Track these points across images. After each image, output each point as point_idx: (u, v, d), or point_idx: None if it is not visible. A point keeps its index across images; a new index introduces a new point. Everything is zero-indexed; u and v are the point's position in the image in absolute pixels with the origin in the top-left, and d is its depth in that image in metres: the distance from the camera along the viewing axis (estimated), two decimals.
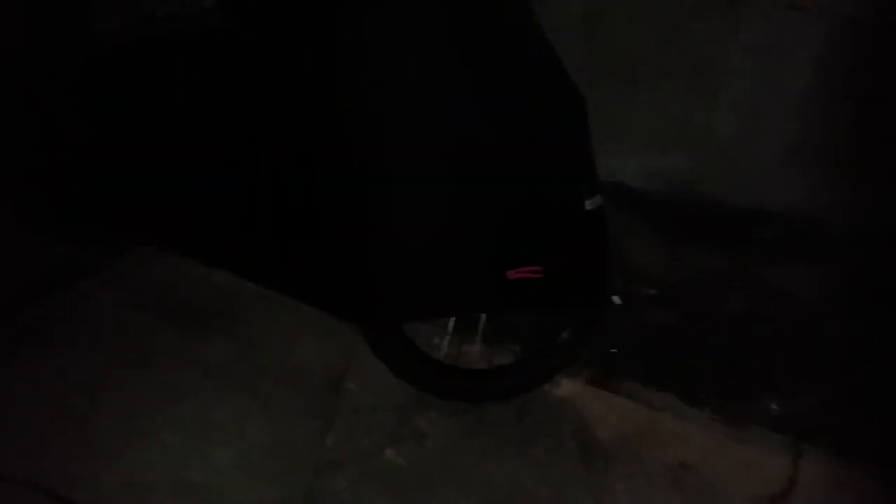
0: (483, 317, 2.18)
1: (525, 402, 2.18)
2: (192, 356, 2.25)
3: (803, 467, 2.06)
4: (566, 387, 2.27)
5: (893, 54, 2.69)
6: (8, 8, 2.02)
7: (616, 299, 2.62)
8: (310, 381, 2.21)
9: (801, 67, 2.82)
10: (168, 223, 2.16)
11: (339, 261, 1.91)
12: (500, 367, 2.22)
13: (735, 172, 3.05)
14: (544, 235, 1.91)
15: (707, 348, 2.46)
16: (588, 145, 1.92)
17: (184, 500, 1.82)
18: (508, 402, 2.17)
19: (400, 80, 1.76)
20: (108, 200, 2.19)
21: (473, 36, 1.78)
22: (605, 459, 2.05)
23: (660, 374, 2.33)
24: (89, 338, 2.28)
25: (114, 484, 1.84)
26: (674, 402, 2.25)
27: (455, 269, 1.90)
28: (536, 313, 2.19)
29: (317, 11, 1.70)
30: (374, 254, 1.87)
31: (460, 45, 1.75)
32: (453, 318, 2.22)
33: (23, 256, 2.37)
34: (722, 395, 2.27)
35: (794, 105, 2.88)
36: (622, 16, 2.96)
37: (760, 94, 2.93)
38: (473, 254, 1.89)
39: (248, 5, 1.76)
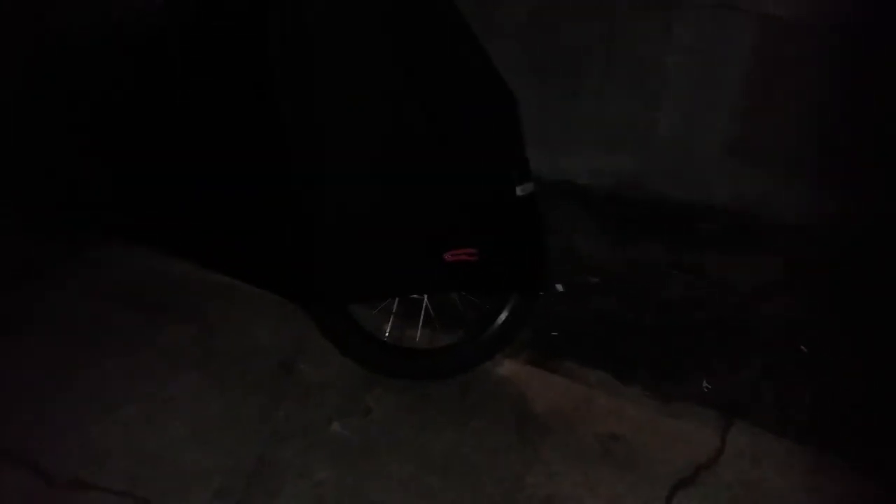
0: (425, 299, 2.32)
1: (467, 381, 2.32)
2: (151, 340, 2.40)
3: (731, 440, 2.17)
4: (507, 366, 2.41)
5: (819, 53, 2.86)
6: None
7: (559, 287, 2.77)
8: (263, 361, 2.36)
9: (734, 66, 2.98)
10: (133, 214, 2.30)
11: (285, 245, 2.05)
12: (441, 347, 2.36)
13: (677, 169, 3.21)
14: (478, 219, 2.05)
15: (644, 332, 2.60)
16: (519, 137, 2.07)
17: (140, 466, 1.95)
18: (451, 380, 2.31)
19: (340, 78, 1.89)
20: (79, 193, 2.33)
21: (409, 41, 1.92)
22: (540, 432, 2.18)
23: (597, 355, 2.47)
24: (56, 323, 2.44)
25: (76, 451, 1.98)
26: (609, 381, 2.38)
27: (393, 251, 2.04)
28: (474, 295, 2.32)
29: (254, 9, 1.85)
30: (317, 238, 2.00)
31: (397, 48, 1.90)
32: (396, 300, 2.36)
33: None
34: (656, 374, 2.40)
35: (730, 103, 3.04)
36: (565, 19, 3.11)
37: (698, 92, 3.09)
38: (411, 236, 2.03)
39: (191, 9, 1.91)
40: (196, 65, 1.96)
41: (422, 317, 2.34)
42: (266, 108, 1.90)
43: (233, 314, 2.54)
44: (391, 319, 2.38)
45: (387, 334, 2.36)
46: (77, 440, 2.01)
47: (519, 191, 2.05)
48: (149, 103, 2.06)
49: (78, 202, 2.36)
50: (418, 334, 2.37)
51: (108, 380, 2.22)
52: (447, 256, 2.05)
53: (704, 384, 2.38)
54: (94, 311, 2.52)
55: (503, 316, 2.24)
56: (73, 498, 1.86)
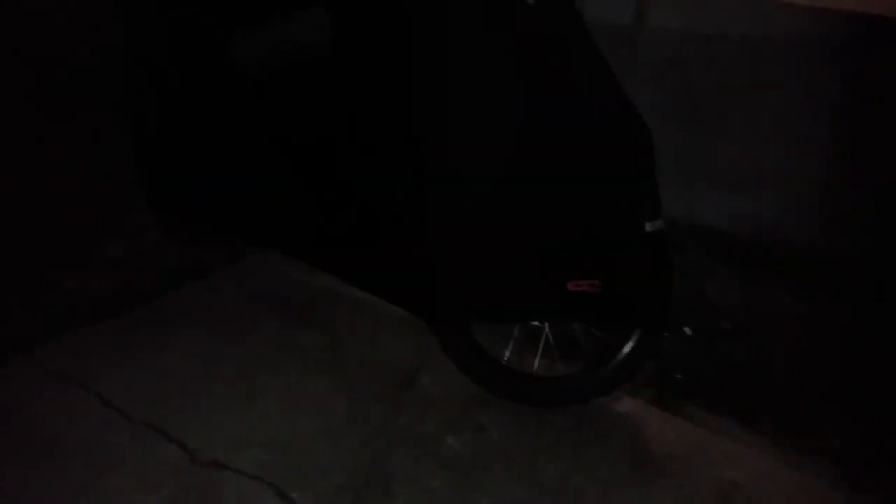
0: (546, 326, 2.37)
1: (584, 413, 2.34)
2: (289, 342, 2.61)
3: (856, 499, 2.07)
4: (626, 403, 2.41)
5: None
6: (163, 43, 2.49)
7: (687, 329, 2.73)
8: (388, 371, 2.49)
9: (887, 114, 2.85)
10: (272, 227, 2.51)
11: (412, 262, 2.17)
12: (559, 375, 2.39)
13: (818, 217, 3.08)
14: (604, 251, 2.08)
15: (772, 381, 2.52)
16: (652, 173, 2.08)
17: (272, 454, 2.12)
18: (567, 410, 2.33)
19: (476, 103, 2.01)
20: (225, 206, 2.58)
21: (547, 71, 2.00)
22: (655, 471, 2.16)
23: (722, 401, 2.41)
24: (209, 320, 2.70)
25: (217, 434, 2.17)
26: (732, 428, 2.32)
27: (517, 275, 2.11)
28: (595, 327, 2.34)
29: (399, 42, 2.02)
30: (444, 256, 2.12)
31: (533, 77, 1.98)
32: (518, 326, 2.43)
33: (161, 255, 2.83)
34: (782, 424, 2.32)
35: (881, 153, 2.90)
36: (705, 64, 3.11)
37: (842, 141, 2.98)
38: (536, 262, 2.09)
39: (352, 37, 2.10)
40: (346, 89, 2.15)
41: (541, 344, 2.39)
42: (408, 128, 2.05)
43: (363, 325, 2.71)
44: (511, 344, 2.44)
45: (506, 358, 2.43)
46: (219, 425, 2.21)
47: (648, 226, 2.06)
48: (305, 125, 2.27)
49: (235, 218, 2.62)
50: (537, 362, 2.42)
51: (250, 374, 2.43)
52: (570, 286, 2.09)
53: (832, 440, 2.27)
54: (243, 312, 2.77)
55: (625, 351, 2.25)
56: (212, 476, 2.04)
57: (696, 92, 3.16)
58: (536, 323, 2.38)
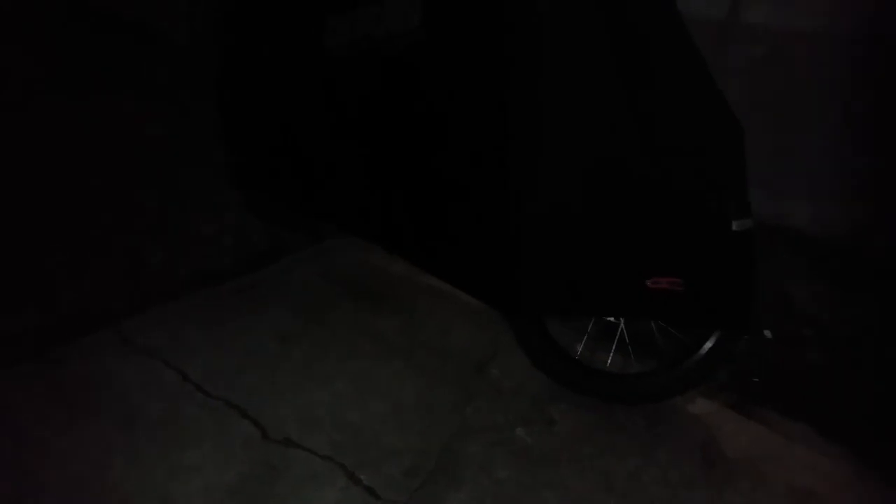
0: (621, 322, 2.34)
1: (656, 411, 2.31)
2: (365, 325, 2.65)
3: None
4: (700, 405, 2.36)
5: None
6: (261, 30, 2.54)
7: (767, 333, 2.66)
8: (460, 360, 2.50)
9: None
10: (354, 212, 2.55)
11: (492, 253, 2.17)
12: (633, 373, 2.37)
13: None
14: (687, 249, 2.04)
15: (855, 390, 2.43)
16: (742, 170, 2.03)
17: (343, 435, 2.16)
18: (638, 408, 2.31)
19: (565, 95, 1.98)
20: (310, 189, 2.62)
21: (639, 63, 1.96)
22: (727, 475, 2.12)
23: (800, 407, 2.35)
24: (288, 300, 2.77)
25: (291, 414, 2.23)
26: (810, 435, 2.26)
27: (595, 270, 2.08)
28: (673, 326, 2.30)
29: (497, 30, 2.00)
30: (522, 249, 2.11)
31: (624, 70, 1.95)
32: (592, 321, 2.40)
33: (245, 235, 2.91)
34: (863, 435, 2.24)
35: None
36: (801, 62, 2.99)
37: None
38: (615, 257, 2.06)
39: (443, 25, 2.10)
40: (438, 76, 2.15)
41: (616, 341, 2.36)
42: (495, 120, 2.04)
43: (438, 313, 2.73)
44: (584, 339, 2.42)
45: (578, 353, 2.41)
46: (293, 404, 2.26)
47: (735, 226, 2.00)
48: (394, 112, 2.28)
49: (317, 201, 2.67)
50: (610, 358, 2.40)
51: (326, 355, 2.48)
52: (649, 283, 2.05)
53: None
54: (323, 292, 2.83)
55: (702, 352, 2.21)
56: (283, 453, 2.09)
57: (791, 90, 3.05)
58: (612, 319, 2.35)
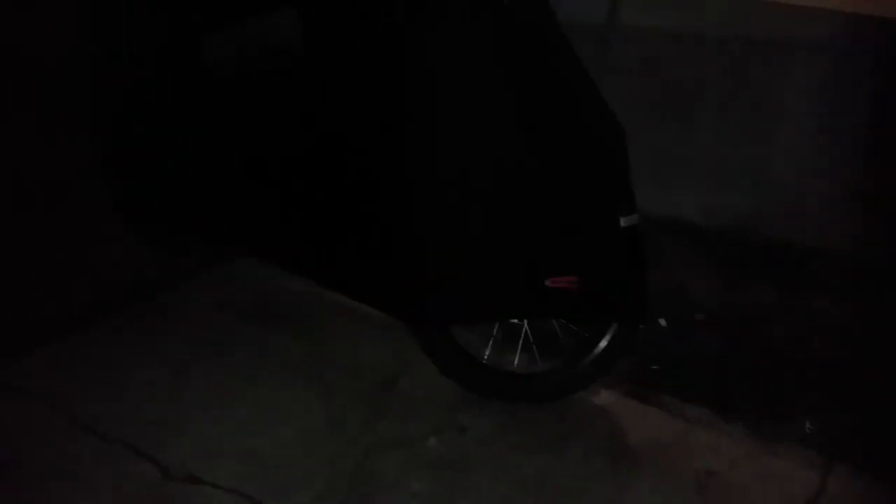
0: (525, 324, 2.38)
1: (563, 407, 2.35)
2: (268, 350, 2.57)
3: (831, 483, 2.11)
4: (604, 396, 2.42)
5: None
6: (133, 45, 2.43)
7: (662, 321, 2.76)
8: (369, 375, 2.47)
9: (853, 110, 2.91)
10: (247, 231, 2.48)
11: (393, 266, 2.17)
12: (538, 372, 2.40)
13: (791, 210, 3.14)
14: (580, 247, 2.10)
15: (747, 370, 2.55)
16: (625, 169, 2.10)
17: (248, 465, 2.09)
18: (546, 406, 2.34)
19: (455, 104, 2.01)
20: (197, 212, 2.53)
21: (521, 71, 2.00)
22: (634, 462, 2.18)
23: (698, 391, 2.44)
24: (184, 329, 2.65)
25: (192, 448, 2.13)
26: (708, 417, 2.35)
27: (496, 275, 2.11)
28: (574, 322, 2.35)
29: (383, 44, 2.00)
30: (425, 258, 2.11)
31: (509, 77, 1.99)
32: (497, 324, 2.43)
33: (133, 262, 2.78)
34: (757, 412, 2.35)
35: (848, 146, 2.96)
36: (679, 62, 3.14)
37: (815, 133, 3.03)
38: (514, 261, 2.10)
39: (324, 39, 2.07)
40: (322, 93, 2.12)
41: (521, 342, 2.39)
42: (386, 129, 2.04)
43: (343, 330, 2.68)
44: (491, 342, 2.44)
45: (486, 357, 2.43)
46: (193, 438, 2.17)
47: (623, 222, 2.08)
48: (275, 128, 2.24)
49: (209, 224, 2.57)
50: (517, 359, 2.42)
51: (227, 383, 2.39)
52: (548, 282, 2.10)
53: (807, 425, 2.31)
54: (219, 320, 2.73)
55: (602, 345, 2.26)
56: (186, 491, 2.00)
57: (670, 89, 3.19)
58: (516, 321, 2.38)
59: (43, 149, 2.54)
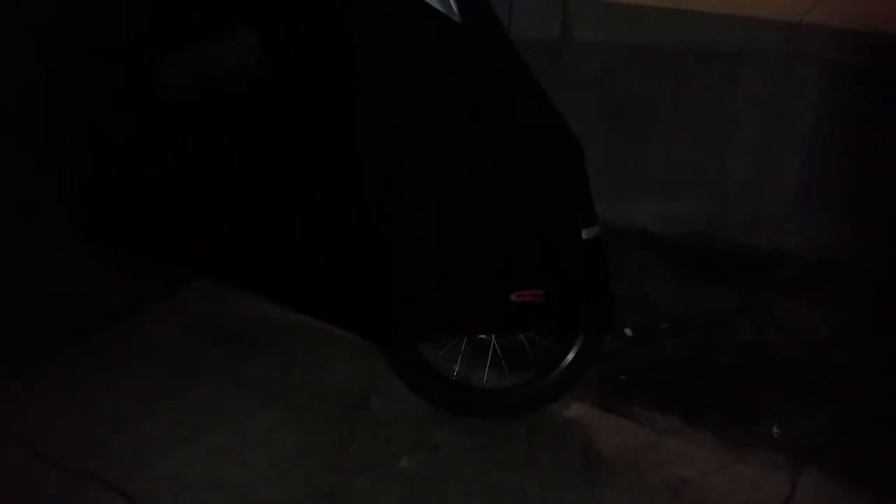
0: (493, 339, 2.39)
1: (534, 421, 2.35)
2: (235, 375, 2.54)
3: (802, 487, 2.14)
4: (574, 409, 2.44)
5: (886, 102, 2.84)
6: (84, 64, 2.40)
7: (627, 331, 2.79)
8: (339, 397, 2.45)
9: (803, 113, 2.98)
10: (210, 254, 2.45)
11: (359, 286, 2.15)
12: (508, 387, 2.40)
13: (748, 215, 3.20)
14: (544, 261, 2.11)
15: (714, 377, 2.58)
16: (584, 182, 2.13)
17: (219, 495, 2.06)
18: (518, 420, 2.34)
19: (412, 122, 2.00)
20: (159, 235, 2.50)
21: (476, 88, 2.01)
22: (607, 473, 2.20)
23: (665, 399, 2.46)
24: (148, 357, 2.61)
25: (160, 479, 2.10)
26: (678, 425, 2.37)
27: (462, 291, 2.11)
28: (541, 336, 2.37)
29: (340, 65, 2.00)
30: (391, 278, 2.10)
31: (464, 95, 2.00)
32: (465, 340, 2.43)
33: (96, 288, 2.72)
34: (725, 419, 2.38)
35: (800, 150, 3.03)
36: (632, 75, 3.20)
37: (767, 139, 3.10)
38: (479, 277, 2.10)
39: (283, 63, 2.07)
40: (282, 115, 2.11)
41: (489, 357, 2.40)
42: (347, 150, 2.03)
43: (312, 352, 2.66)
44: (459, 359, 2.44)
45: (455, 373, 2.43)
46: (162, 468, 2.13)
47: (585, 234, 2.10)
48: (235, 150, 2.22)
49: (172, 247, 2.54)
50: (486, 374, 2.43)
51: (194, 411, 2.36)
52: (514, 297, 2.10)
53: (775, 430, 2.35)
54: (185, 346, 2.69)
55: (570, 357, 2.28)
56: None
57: (625, 101, 3.24)
58: (484, 336, 2.39)
59: (14, 172, 2.49)
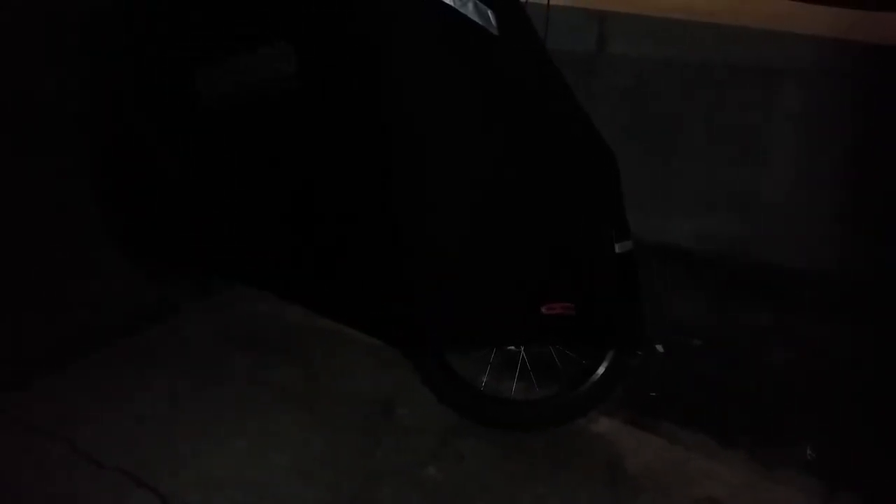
0: (522, 351, 2.38)
1: (561, 434, 2.34)
2: (263, 379, 2.57)
3: None
4: (602, 423, 2.42)
5: None
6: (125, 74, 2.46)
7: (659, 347, 2.76)
8: (365, 403, 2.47)
9: (840, 132, 2.94)
10: (241, 260, 2.48)
11: (386, 292, 2.16)
12: (535, 399, 2.39)
13: (782, 234, 3.15)
14: (576, 274, 2.10)
15: (746, 397, 2.55)
16: (618, 195, 2.12)
17: (246, 495, 2.08)
18: (544, 433, 2.33)
19: (444, 132, 2.02)
20: (193, 241, 2.55)
21: (511, 98, 2.02)
22: (632, 490, 2.17)
23: (696, 417, 2.44)
24: (180, 358, 2.66)
25: (189, 478, 2.13)
26: (708, 444, 2.34)
27: (492, 302, 2.11)
28: (570, 349, 2.35)
29: (370, 77, 2.02)
30: (420, 285, 2.11)
31: (499, 106, 2.01)
32: (494, 351, 2.43)
33: (131, 290, 2.79)
34: (757, 439, 2.35)
35: (837, 169, 2.99)
36: (666, 87, 3.18)
37: (803, 159, 3.06)
38: (510, 288, 2.10)
39: (319, 75, 2.11)
40: (315, 122, 2.15)
41: (518, 369, 2.40)
42: (381, 160, 2.05)
43: (338, 358, 2.69)
44: (488, 370, 2.44)
45: (483, 384, 2.43)
46: (191, 467, 2.16)
47: (618, 248, 2.09)
48: (269, 157, 2.26)
49: (204, 253, 2.59)
50: (514, 386, 2.42)
51: (224, 414, 2.39)
52: (544, 309, 2.09)
53: (808, 452, 2.31)
54: (215, 349, 2.73)
55: (599, 372, 2.27)
56: None
57: (658, 115, 3.23)
58: (512, 348, 2.39)
59: (48, 180, 2.56)
